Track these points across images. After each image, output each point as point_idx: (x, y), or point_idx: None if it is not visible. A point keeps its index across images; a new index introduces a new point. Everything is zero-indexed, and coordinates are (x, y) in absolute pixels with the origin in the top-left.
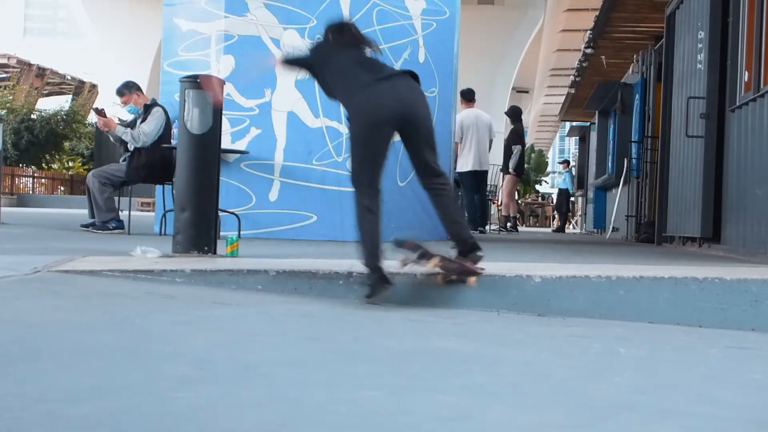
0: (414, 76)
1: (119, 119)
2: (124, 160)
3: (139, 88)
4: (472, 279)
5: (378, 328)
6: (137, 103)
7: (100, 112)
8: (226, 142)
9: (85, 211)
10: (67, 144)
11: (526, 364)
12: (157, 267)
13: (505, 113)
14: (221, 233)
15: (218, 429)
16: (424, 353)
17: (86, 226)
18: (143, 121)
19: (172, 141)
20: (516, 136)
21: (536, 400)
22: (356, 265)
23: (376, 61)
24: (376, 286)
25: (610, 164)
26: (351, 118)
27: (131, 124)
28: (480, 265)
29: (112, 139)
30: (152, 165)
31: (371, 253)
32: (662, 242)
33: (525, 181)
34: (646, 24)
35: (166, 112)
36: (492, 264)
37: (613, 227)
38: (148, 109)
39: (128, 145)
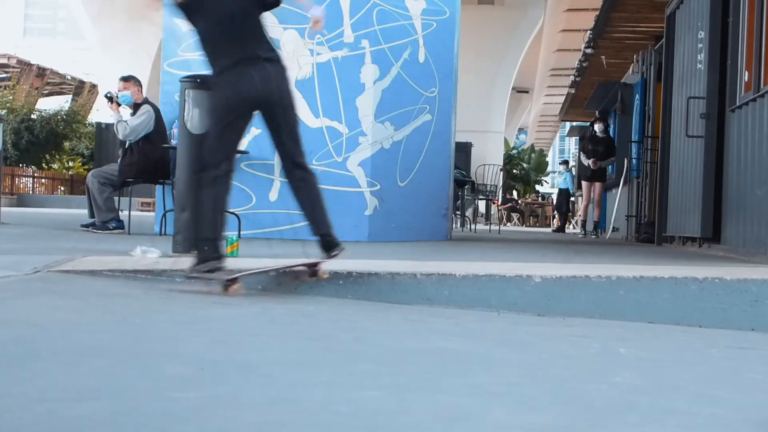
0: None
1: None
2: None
3: (140, 85)
4: (323, 272)
5: (378, 328)
6: (134, 95)
7: (111, 98)
8: None
9: (85, 211)
10: (67, 144)
11: (526, 364)
12: (157, 267)
13: (602, 120)
14: None
15: (218, 429)
16: (424, 353)
17: (86, 226)
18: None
19: (172, 141)
20: (609, 143)
21: (536, 400)
22: (356, 265)
23: (244, 28)
24: (209, 258)
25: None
26: (215, 90)
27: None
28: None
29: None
30: (144, 163)
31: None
32: (662, 242)
33: (525, 181)
34: (646, 24)
35: (157, 110)
36: (492, 264)
37: (613, 227)
38: (137, 106)
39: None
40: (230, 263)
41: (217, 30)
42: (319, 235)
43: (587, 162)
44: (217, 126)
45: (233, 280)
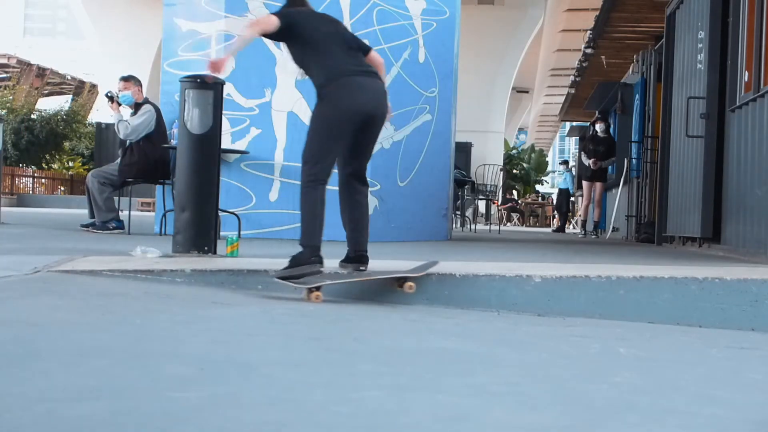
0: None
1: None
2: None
3: (140, 84)
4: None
5: (378, 328)
6: (135, 95)
7: (111, 98)
8: (226, 142)
9: (85, 211)
10: (67, 144)
11: (526, 364)
12: (157, 267)
13: (603, 120)
14: (221, 233)
15: (218, 429)
16: (424, 353)
17: (86, 226)
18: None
19: (172, 141)
20: (610, 143)
21: (536, 400)
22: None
23: (352, 45)
24: (307, 265)
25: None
26: (326, 100)
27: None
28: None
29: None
30: (144, 163)
31: (316, 233)
32: (662, 242)
33: (525, 181)
34: (646, 24)
35: (157, 110)
36: (492, 264)
37: (613, 227)
38: (138, 106)
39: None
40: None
41: (323, 53)
42: (357, 251)
43: (588, 162)
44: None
45: (317, 288)
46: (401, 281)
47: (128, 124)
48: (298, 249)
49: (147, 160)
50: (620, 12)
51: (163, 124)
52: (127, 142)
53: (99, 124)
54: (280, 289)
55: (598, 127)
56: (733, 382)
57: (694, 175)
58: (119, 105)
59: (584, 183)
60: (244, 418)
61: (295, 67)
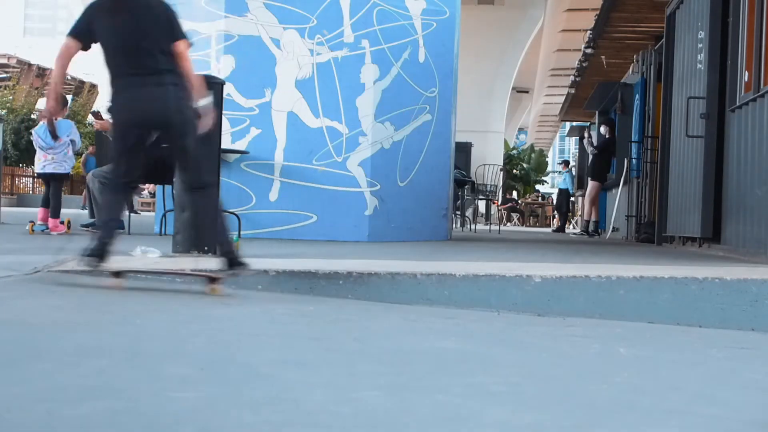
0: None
1: None
2: None
3: None
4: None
5: (378, 328)
6: None
7: (97, 115)
8: (226, 142)
9: (85, 211)
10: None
11: (526, 364)
12: (157, 267)
13: (604, 123)
14: None
15: (218, 429)
16: (425, 353)
17: (86, 226)
18: None
19: None
20: (608, 144)
21: (536, 400)
22: (356, 265)
23: (139, 49)
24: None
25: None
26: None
27: None
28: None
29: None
30: (150, 165)
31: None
32: (662, 242)
33: (525, 181)
34: (646, 24)
35: None
36: (492, 264)
37: (613, 227)
38: None
39: None
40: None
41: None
42: (223, 252)
43: (589, 149)
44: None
45: (118, 274)
46: (211, 281)
47: None
48: (299, 248)
49: (154, 162)
50: (620, 12)
51: None
52: None
53: (94, 114)
54: (280, 289)
55: (602, 129)
56: (733, 382)
57: (694, 175)
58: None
59: (593, 183)
60: (244, 418)
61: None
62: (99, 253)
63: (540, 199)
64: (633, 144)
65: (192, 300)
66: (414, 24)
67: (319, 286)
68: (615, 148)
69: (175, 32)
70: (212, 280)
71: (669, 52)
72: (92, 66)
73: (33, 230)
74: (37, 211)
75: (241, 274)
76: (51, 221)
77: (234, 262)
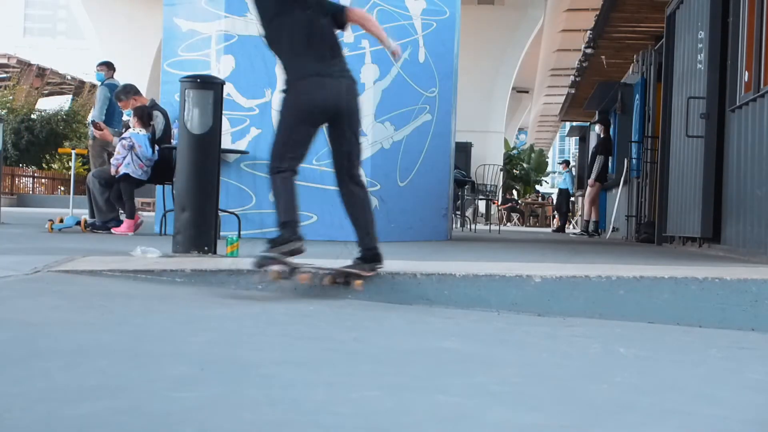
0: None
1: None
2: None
3: (137, 92)
4: (358, 282)
5: (378, 328)
6: (133, 105)
7: (96, 125)
8: (226, 142)
9: (86, 211)
10: (67, 144)
11: (526, 364)
12: (157, 267)
13: (599, 122)
14: (221, 233)
15: (218, 429)
16: (424, 353)
17: (86, 226)
18: None
19: (172, 141)
20: (602, 145)
21: (536, 400)
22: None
23: (322, 41)
24: (287, 239)
25: (610, 164)
26: (287, 96)
27: (127, 123)
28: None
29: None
30: (155, 166)
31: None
32: (662, 242)
33: (525, 181)
34: (646, 24)
35: (165, 114)
36: (492, 264)
37: (613, 227)
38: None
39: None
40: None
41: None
42: (364, 248)
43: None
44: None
45: (299, 269)
46: (351, 278)
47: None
48: (297, 245)
49: (158, 163)
50: (620, 12)
51: (170, 125)
52: None
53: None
54: (280, 289)
55: (597, 128)
56: (733, 382)
57: (694, 175)
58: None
59: (594, 183)
60: (244, 418)
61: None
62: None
63: (540, 199)
64: (633, 144)
65: (192, 300)
66: (414, 24)
67: (320, 286)
68: (611, 146)
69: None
70: (357, 276)
71: (669, 52)
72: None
73: (52, 228)
74: (38, 211)
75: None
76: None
77: (377, 258)
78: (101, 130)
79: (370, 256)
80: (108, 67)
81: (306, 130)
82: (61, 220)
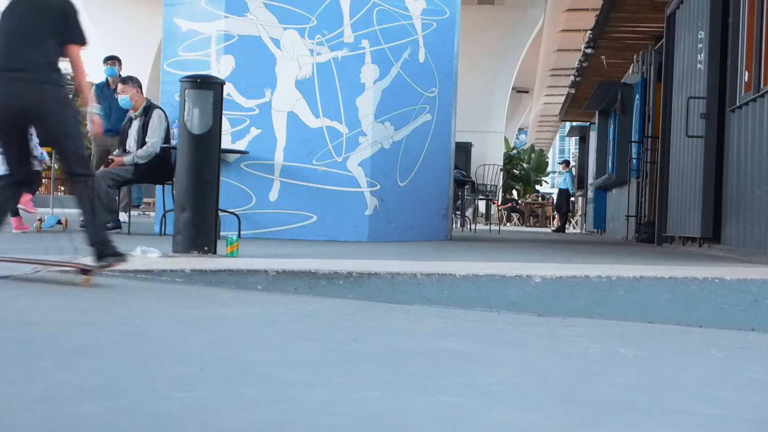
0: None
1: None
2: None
3: (140, 86)
4: (85, 278)
5: (378, 328)
6: (133, 98)
7: (109, 163)
8: (226, 142)
9: (66, 211)
10: None
11: (526, 364)
12: (157, 267)
13: None
14: (221, 233)
15: (218, 429)
16: (424, 353)
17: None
18: (144, 125)
19: (172, 141)
20: None
21: (536, 400)
22: (356, 265)
23: (17, 38)
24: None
25: (610, 164)
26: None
27: (126, 126)
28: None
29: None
30: (156, 166)
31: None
32: (662, 242)
33: (525, 181)
34: (646, 24)
35: (165, 114)
36: (492, 264)
37: (610, 227)
38: (147, 111)
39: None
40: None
41: None
42: (91, 245)
43: None
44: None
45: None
46: (84, 272)
47: (147, 149)
48: (299, 248)
49: (159, 163)
50: (620, 12)
51: (169, 126)
52: (129, 146)
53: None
54: (280, 289)
55: None
56: (733, 382)
57: (694, 175)
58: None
59: None
60: (244, 418)
61: None
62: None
63: (540, 199)
64: (633, 144)
65: (192, 300)
66: (414, 24)
67: (319, 286)
68: None
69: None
70: (84, 271)
71: (669, 52)
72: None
73: (41, 228)
74: (42, 212)
75: (113, 267)
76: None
77: (103, 255)
78: (113, 161)
79: (97, 253)
80: (119, 62)
81: None
82: (42, 220)
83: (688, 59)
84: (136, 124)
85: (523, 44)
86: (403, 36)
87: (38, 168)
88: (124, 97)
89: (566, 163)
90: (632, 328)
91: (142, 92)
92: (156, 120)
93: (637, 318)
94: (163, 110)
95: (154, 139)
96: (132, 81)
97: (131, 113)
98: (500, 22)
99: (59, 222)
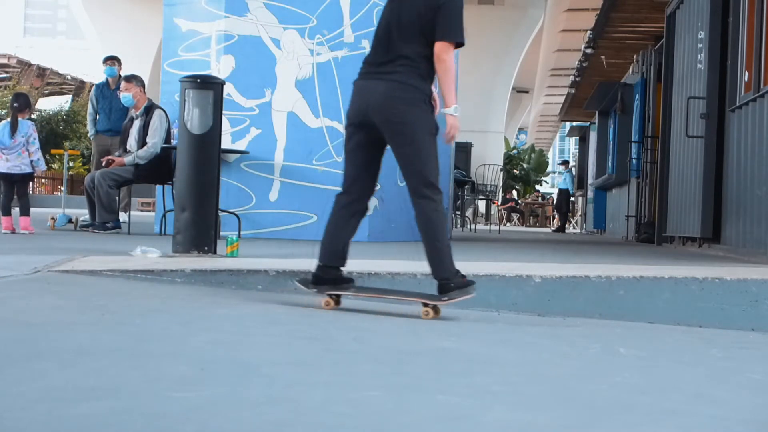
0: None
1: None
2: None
3: (143, 85)
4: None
5: (378, 328)
6: (136, 97)
7: (109, 162)
8: (226, 142)
9: (85, 211)
10: (67, 144)
11: (526, 364)
12: (157, 267)
13: None
14: (221, 233)
15: (218, 429)
16: (424, 353)
17: (86, 226)
18: (144, 125)
19: (172, 141)
20: None
21: (536, 400)
22: (356, 265)
23: (390, 38)
24: (311, 280)
25: (610, 164)
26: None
27: (128, 125)
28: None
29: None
30: (156, 166)
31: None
32: (662, 242)
33: (525, 181)
34: (646, 24)
35: (166, 114)
36: (492, 264)
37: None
38: (149, 111)
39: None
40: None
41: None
42: (435, 278)
43: None
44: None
45: (334, 297)
46: (426, 304)
47: (148, 149)
48: (299, 248)
49: (159, 163)
50: (620, 12)
51: (170, 126)
52: (130, 146)
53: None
54: (280, 289)
55: None
56: (733, 382)
57: (694, 175)
58: (112, 161)
59: None
60: (244, 418)
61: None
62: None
63: (540, 199)
64: (633, 144)
65: (192, 300)
66: None
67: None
68: None
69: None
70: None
71: (669, 52)
72: (91, 66)
73: (55, 227)
74: (38, 211)
75: (452, 303)
76: (23, 220)
77: (445, 289)
78: (113, 160)
79: (440, 287)
80: (119, 62)
81: None
82: (54, 219)
83: (688, 59)
84: (137, 124)
85: (523, 44)
86: None
87: (27, 171)
88: (126, 95)
89: (566, 163)
90: (632, 328)
91: (144, 92)
92: (157, 120)
93: (637, 318)
94: (164, 110)
95: (155, 140)
96: (136, 79)
97: (132, 112)
98: (500, 22)
99: (70, 221)
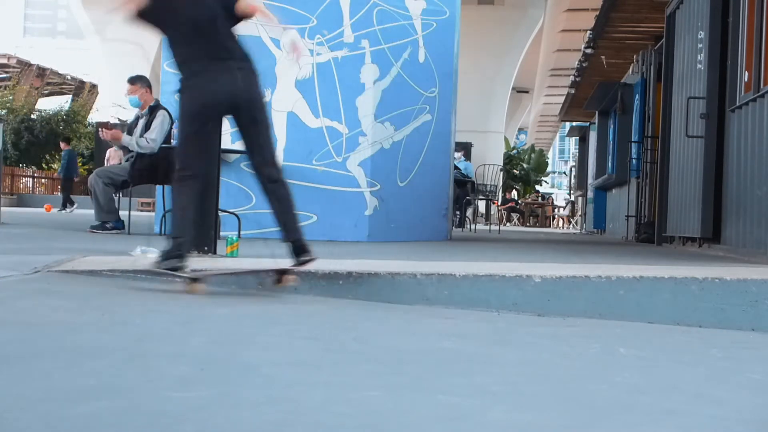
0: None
1: (119, 120)
2: (126, 161)
3: (149, 86)
4: (291, 277)
5: (378, 328)
6: (143, 98)
7: (105, 125)
8: (226, 142)
9: (86, 211)
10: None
11: (526, 364)
12: (157, 267)
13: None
14: (221, 233)
15: (218, 429)
16: (424, 353)
17: (94, 227)
18: (147, 123)
19: (172, 141)
20: None
21: (536, 400)
22: (356, 265)
23: (212, 29)
24: (173, 256)
25: (610, 164)
26: (182, 94)
27: (133, 124)
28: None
29: (116, 147)
30: (155, 167)
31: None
32: (662, 242)
33: (525, 181)
34: (646, 24)
35: (170, 115)
36: (492, 264)
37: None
38: (153, 110)
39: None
40: (194, 263)
41: (189, 35)
42: (290, 241)
43: None
44: (187, 131)
45: (197, 279)
46: (281, 274)
47: (148, 141)
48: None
49: (158, 164)
50: (620, 12)
51: (172, 127)
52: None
53: (99, 124)
54: (280, 289)
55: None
56: (733, 382)
57: (694, 175)
58: (110, 129)
59: None
60: (244, 418)
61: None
62: (176, 254)
63: (540, 199)
64: (633, 144)
65: (192, 300)
66: (414, 24)
67: (319, 286)
68: None
69: None
70: (283, 272)
71: (669, 52)
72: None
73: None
74: (38, 211)
75: (310, 265)
76: None
77: (303, 250)
78: (110, 129)
79: (296, 249)
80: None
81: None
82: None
83: (688, 59)
84: (141, 122)
85: (523, 44)
86: (403, 36)
87: None
88: (132, 97)
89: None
90: (632, 328)
91: (151, 92)
92: (159, 119)
93: (637, 318)
94: (168, 111)
95: (153, 136)
96: (141, 80)
97: (138, 111)
98: (500, 22)
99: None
